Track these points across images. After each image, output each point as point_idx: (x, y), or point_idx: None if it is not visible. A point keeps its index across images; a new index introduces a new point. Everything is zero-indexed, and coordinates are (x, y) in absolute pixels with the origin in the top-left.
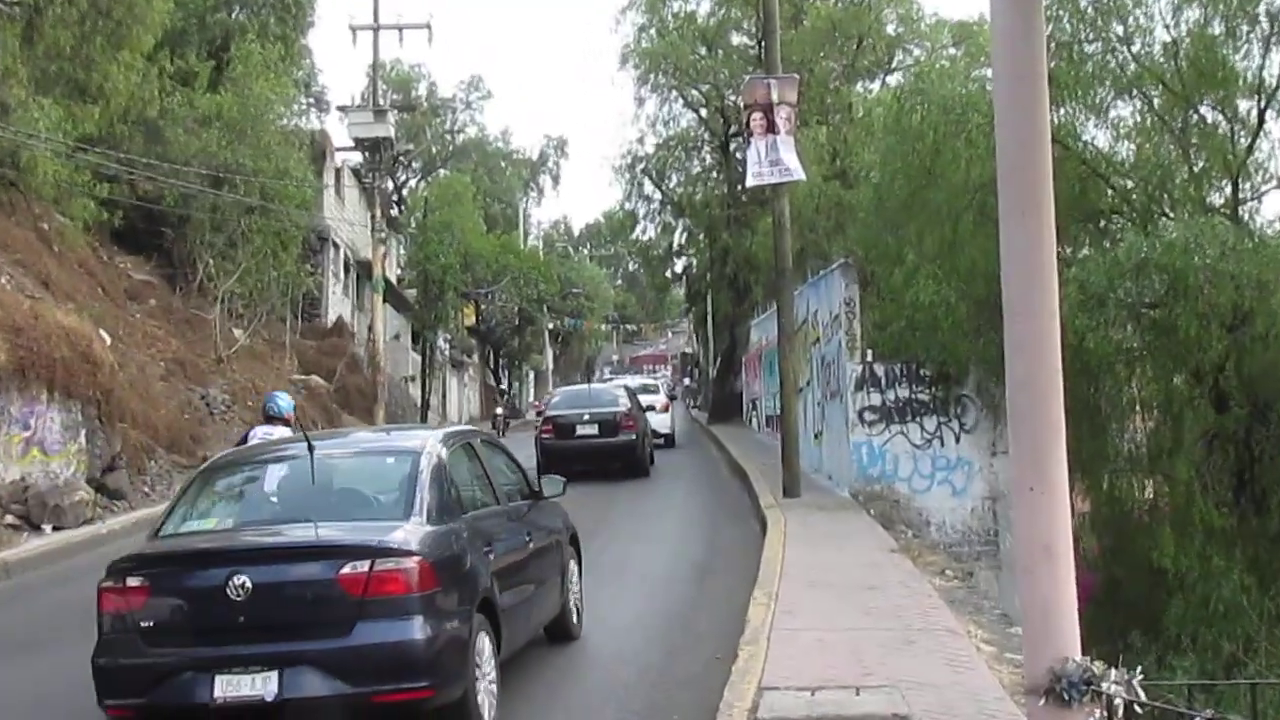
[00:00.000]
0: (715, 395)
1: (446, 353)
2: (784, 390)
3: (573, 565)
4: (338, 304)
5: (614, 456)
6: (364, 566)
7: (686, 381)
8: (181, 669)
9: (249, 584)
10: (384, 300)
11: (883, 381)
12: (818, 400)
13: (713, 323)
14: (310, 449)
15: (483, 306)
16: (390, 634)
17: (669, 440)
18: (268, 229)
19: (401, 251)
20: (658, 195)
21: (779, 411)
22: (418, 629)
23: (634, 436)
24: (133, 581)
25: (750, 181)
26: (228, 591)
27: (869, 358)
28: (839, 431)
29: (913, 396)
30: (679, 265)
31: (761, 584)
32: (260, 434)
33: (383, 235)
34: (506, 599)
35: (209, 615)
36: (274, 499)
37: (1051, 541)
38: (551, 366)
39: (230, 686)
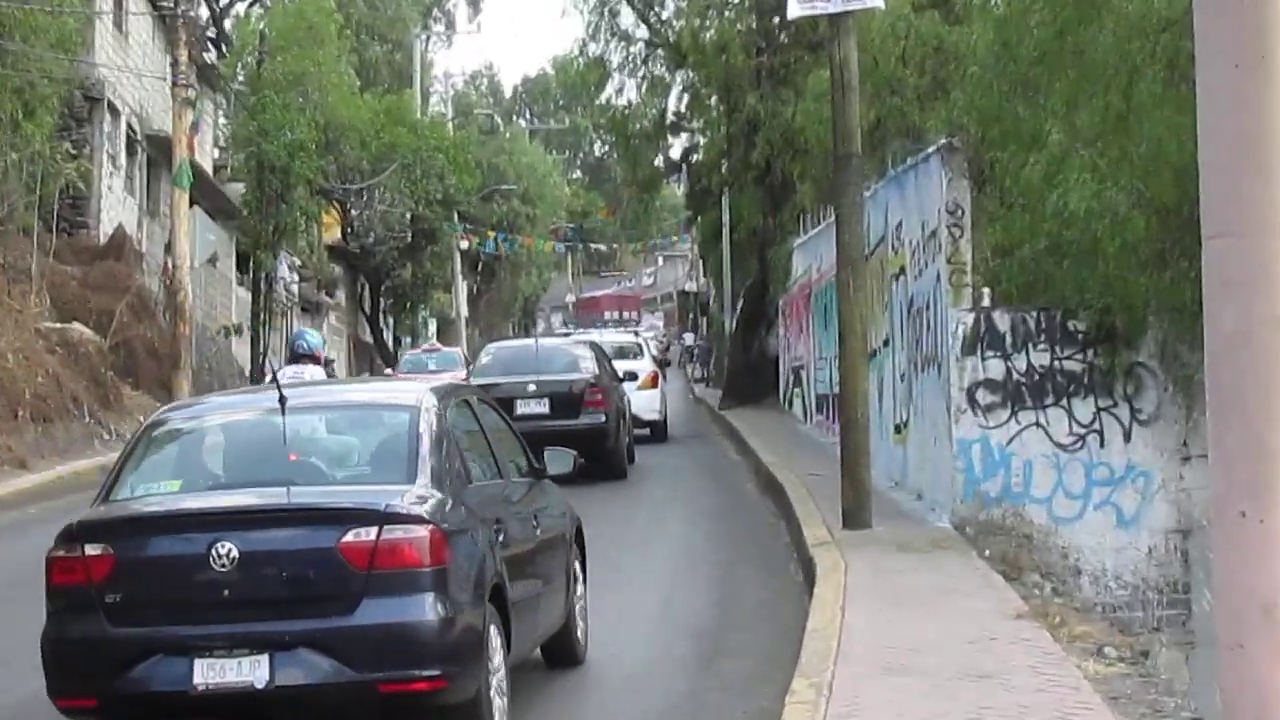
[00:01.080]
0: (734, 361)
1: (294, 287)
2: (845, 354)
3: (577, 567)
4: (116, 206)
5: (572, 448)
6: (369, 534)
7: (688, 339)
8: (153, 651)
9: (235, 552)
10: (191, 201)
11: (1008, 340)
12: (901, 371)
13: (730, 244)
14: (282, 400)
15: (354, 213)
16: (401, 612)
17: (658, 430)
18: (0, 83)
19: (223, 122)
20: (642, 32)
21: (837, 389)
22: (431, 608)
23: (603, 418)
24: (92, 549)
25: (795, 10)
26: (210, 561)
27: (986, 301)
28: (936, 422)
29: (1056, 365)
30: (676, 147)
31: (806, 670)
32: (289, 375)
33: (191, 94)
34: (517, 591)
35: (187, 589)
36: (248, 458)
37: (1275, 600)
38: (466, 311)
39: (213, 671)
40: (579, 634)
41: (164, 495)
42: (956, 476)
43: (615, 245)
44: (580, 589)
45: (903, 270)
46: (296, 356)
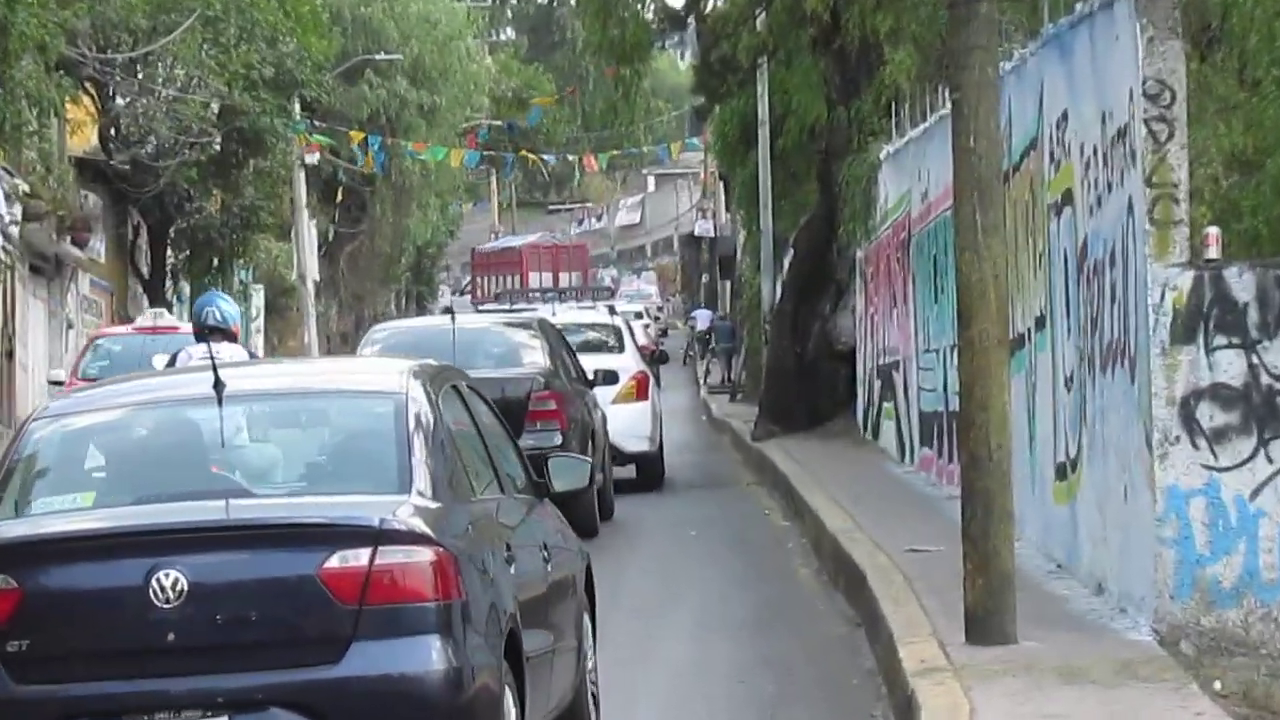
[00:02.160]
0: (779, 356)
1: (14, 231)
2: (971, 344)
3: (588, 623)
4: None
5: None
6: (360, 557)
7: (700, 319)
8: (75, 716)
9: (183, 583)
10: None
11: (1252, 319)
12: (1066, 372)
13: (771, 155)
14: (218, 386)
15: (122, 103)
16: (401, 661)
17: (648, 468)
18: None
19: None
20: None
21: (956, 404)
22: (440, 656)
23: (558, 439)
24: None
25: None
26: (150, 595)
27: (1213, 251)
28: (1127, 459)
29: None
30: None
31: None
32: (197, 357)
33: None
34: (531, 644)
35: (119, 632)
36: (181, 461)
37: None
38: (316, 273)
39: None
40: (590, 716)
41: (78, 511)
42: (1164, 553)
43: (574, 158)
44: (591, 655)
45: (1068, 199)
46: (204, 329)
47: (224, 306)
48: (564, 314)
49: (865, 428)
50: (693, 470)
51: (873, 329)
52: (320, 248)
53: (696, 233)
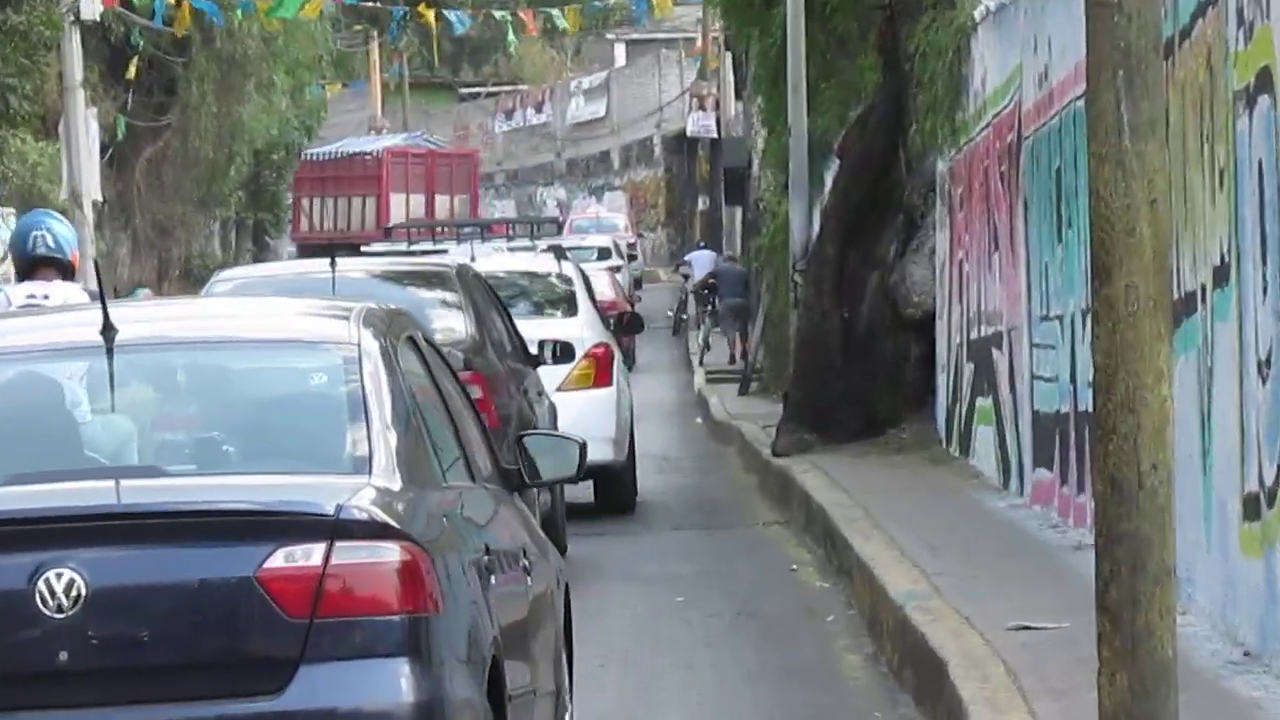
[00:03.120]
0: (812, 323)
1: None
2: (1112, 307)
3: (565, 659)
4: None
5: None
6: (310, 555)
7: (696, 262)
8: None
9: (79, 587)
10: None
11: None
12: (1263, 349)
13: (804, 14)
14: (108, 331)
15: None
16: (361, 690)
17: (611, 484)
18: None
19: None
20: None
21: (1089, 401)
22: (411, 686)
23: None
24: None
25: None
26: (37, 602)
27: None
28: None
29: None
30: None
31: None
32: (20, 300)
33: None
34: (513, 679)
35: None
36: (68, 431)
37: None
38: (97, 191)
39: None
40: None
41: None
42: None
43: (502, 15)
44: (570, 707)
45: (1266, 82)
46: (32, 263)
47: (58, 229)
48: (490, 260)
49: (947, 436)
50: (681, 498)
51: (961, 284)
52: (105, 151)
53: (690, 132)
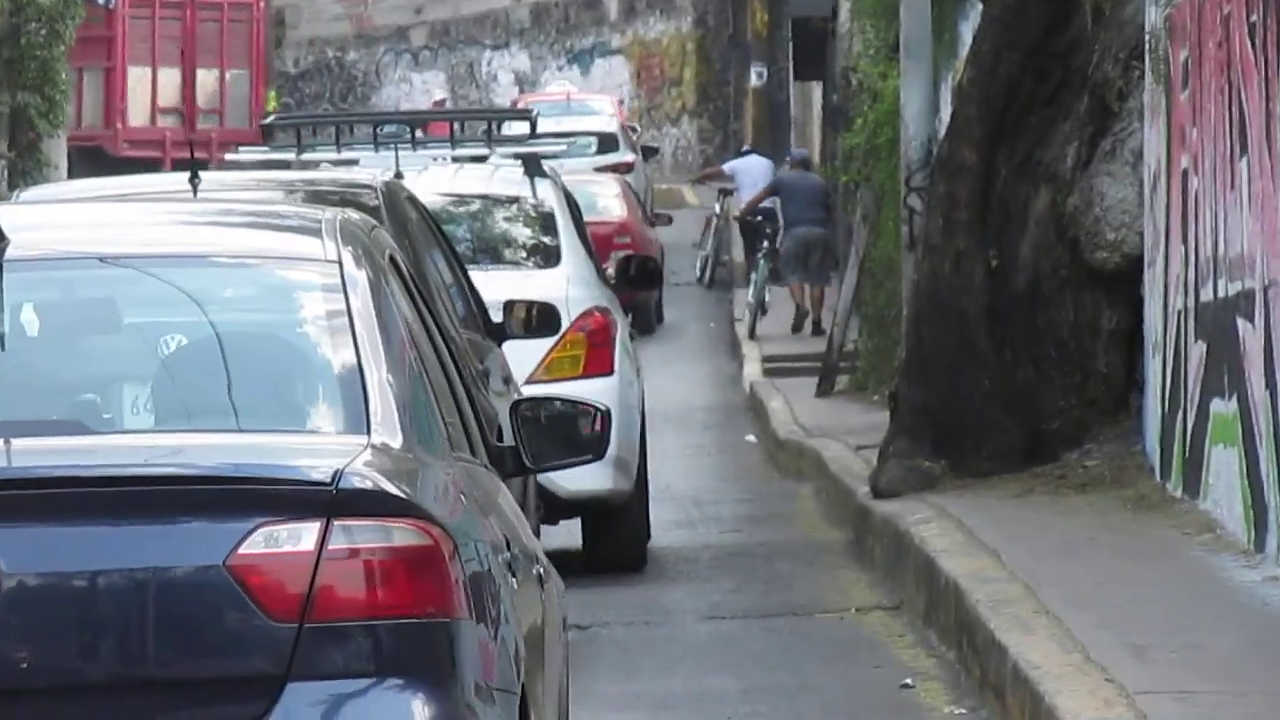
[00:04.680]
0: (939, 273)
1: None
2: None
3: (568, 707)
4: None
5: None
6: (301, 538)
7: (738, 173)
8: None
9: None
10: None
11: None
12: None
13: None
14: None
15: None
16: (368, 716)
17: (609, 526)
18: None
19: None
20: None
21: None
22: (431, 712)
23: None
24: None
25: None
26: None
27: None
28: None
29: None
30: None
31: None
32: None
33: None
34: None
35: None
36: None
37: None
38: None
39: None
40: None
41: None
42: None
43: None
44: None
45: None
46: None
47: None
48: (426, 179)
49: (1162, 463)
50: (722, 565)
51: (1186, 211)
52: None
53: None
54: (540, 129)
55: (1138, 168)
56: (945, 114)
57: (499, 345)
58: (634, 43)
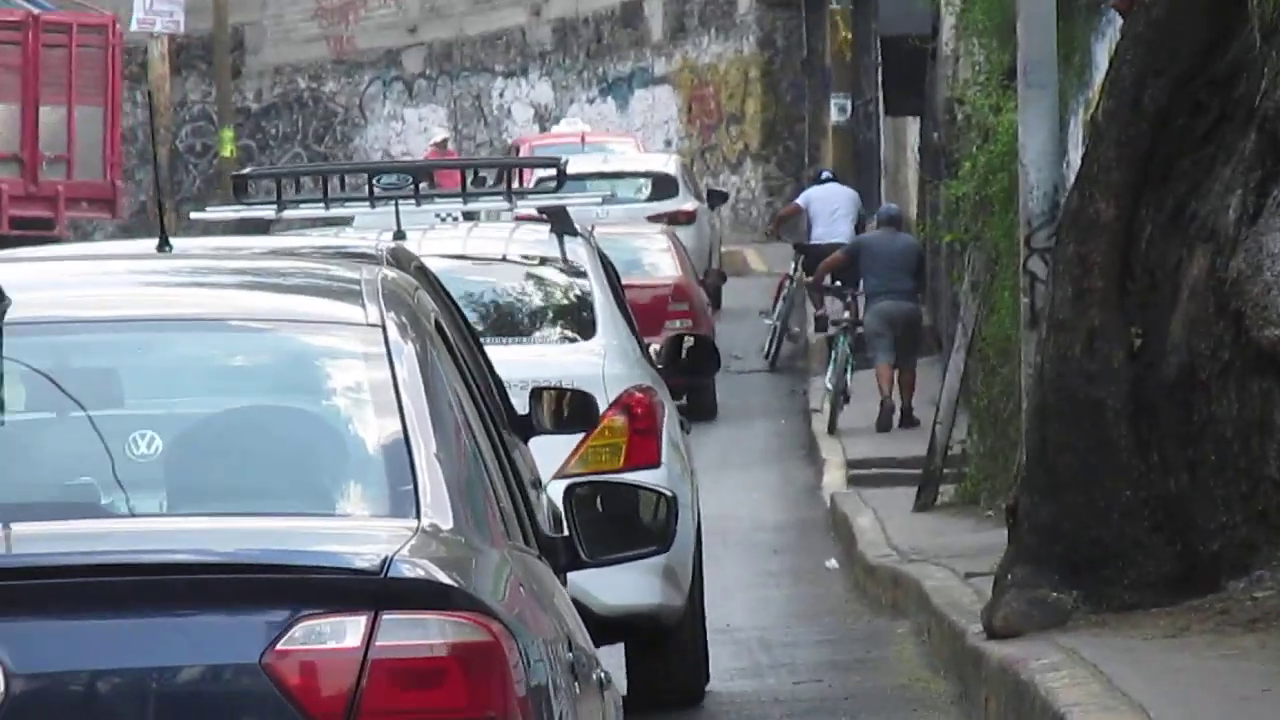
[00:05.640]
0: (1068, 355)
1: None
2: None
3: None
4: None
5: None
6: (347, 632)
7: (812, 205)
8: None
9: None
10: None
11: None
12: None
13: None
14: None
15: None
16: None
17: (658, 652)
18: None
19: None
20: None
21: None
22: None
23: None
24: None
25: None
26: None
27: None
28: None
29: None
30: None
31: None
32: None
33: None
34: None
35: None
36: None
37: None
38: None
39: None
40: None
41: None
42: None
43: None
44: None
45: None
46: None
47: None
48: (435, 241)
49: None
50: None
51: None
52: None
53: None
54: (586, 169)
55: None
56: (1075, 156)
57: (525, 441)
58: (683, 69)
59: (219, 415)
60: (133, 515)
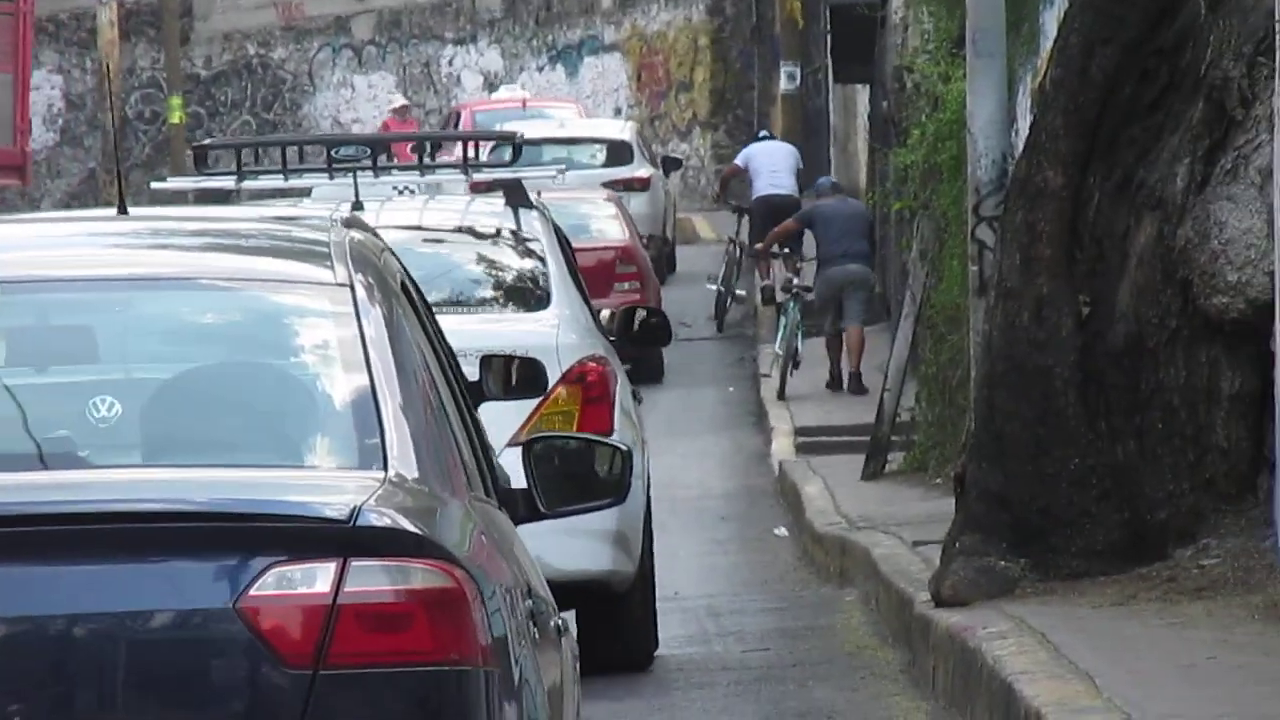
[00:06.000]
0: (1015, 323)
1: None
2: None
3: None
4: None
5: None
6: (317, 578)
7: (751, 161)
8: None
9: None
10: None
11: None
12: None
13: None
14: None
15: None
16: None
17: (610, 615)
18: None
19: None
20: None
21: None
22: None
23: None
24: None
25: None
26: None
27: None
28: None
29: None
30: None
31: None
32: None
33: None
34: None
35: None
36: None
37: None
38: None
39: None
40: None
41: None
42: None
43: None
44: None
45: None
46: None
47: None
48: (391, 212)
49: None
50: (752, 689)
51: None
52: None
53: None
54: (541, 134)
55: (1266, 190)
56: (1024, 124)
57: (475, 407)
58: (632, 36)
59: (192, 371)
60: (109, 467)
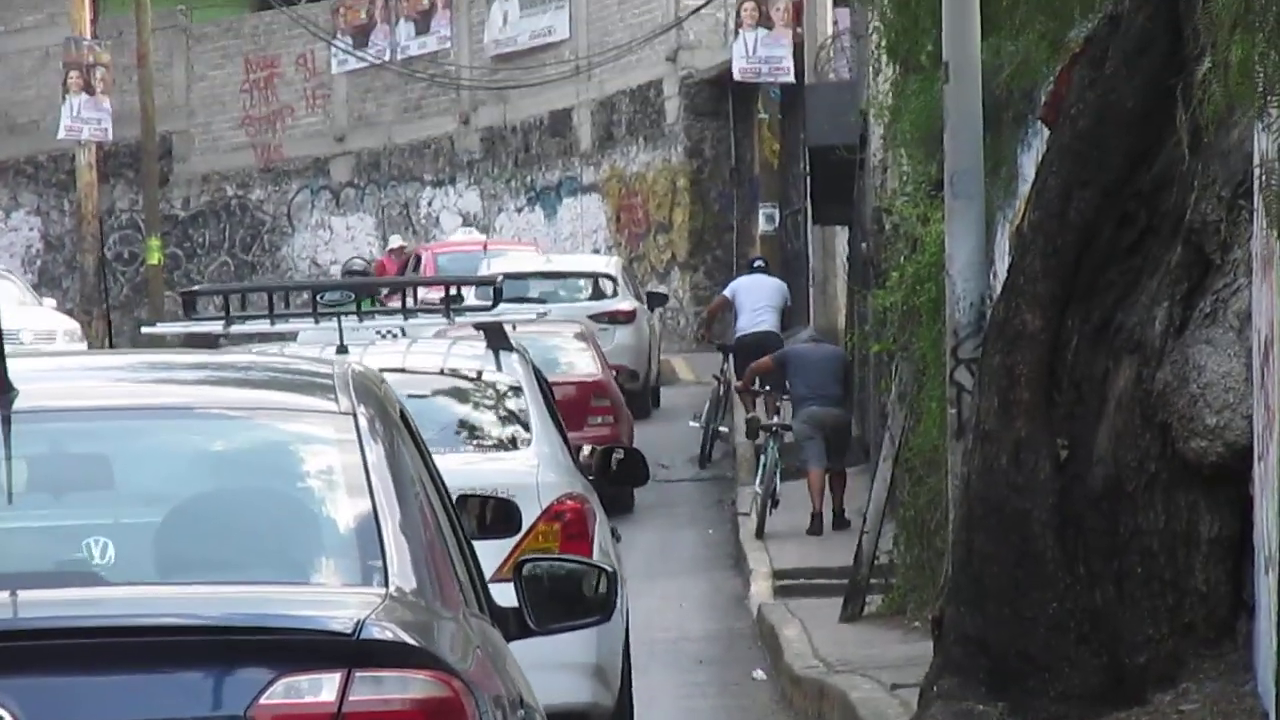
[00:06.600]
0: (991, 469)
1: None
2: None
3: None
4: None
5: None
6: (323, 688)
7: (738, 295)
8: None
9: None
10: None
11: None
12: None
13: None
14: (4, 391)
15: None
16: None
17: None
18: None
19: None
20: None
21: None
22: None
23: None
24: None
25: None
26: None
27: None
28: None
29: None
30: None
31: None
32: None
33: None
34: None
35: None
36: None
37: None
38: None
39: None
40: None
41: None
42: None
43: None
44: None
45: None
46: None
47: None
48: (377, 354)
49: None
50: None
51: None
52: None
53: (739, 73)
54: (528, 269)
55: (1244, 334)
56: (1002, 267)
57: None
58: (611, 178)
59: (206, 495)
60: (127, 584)
